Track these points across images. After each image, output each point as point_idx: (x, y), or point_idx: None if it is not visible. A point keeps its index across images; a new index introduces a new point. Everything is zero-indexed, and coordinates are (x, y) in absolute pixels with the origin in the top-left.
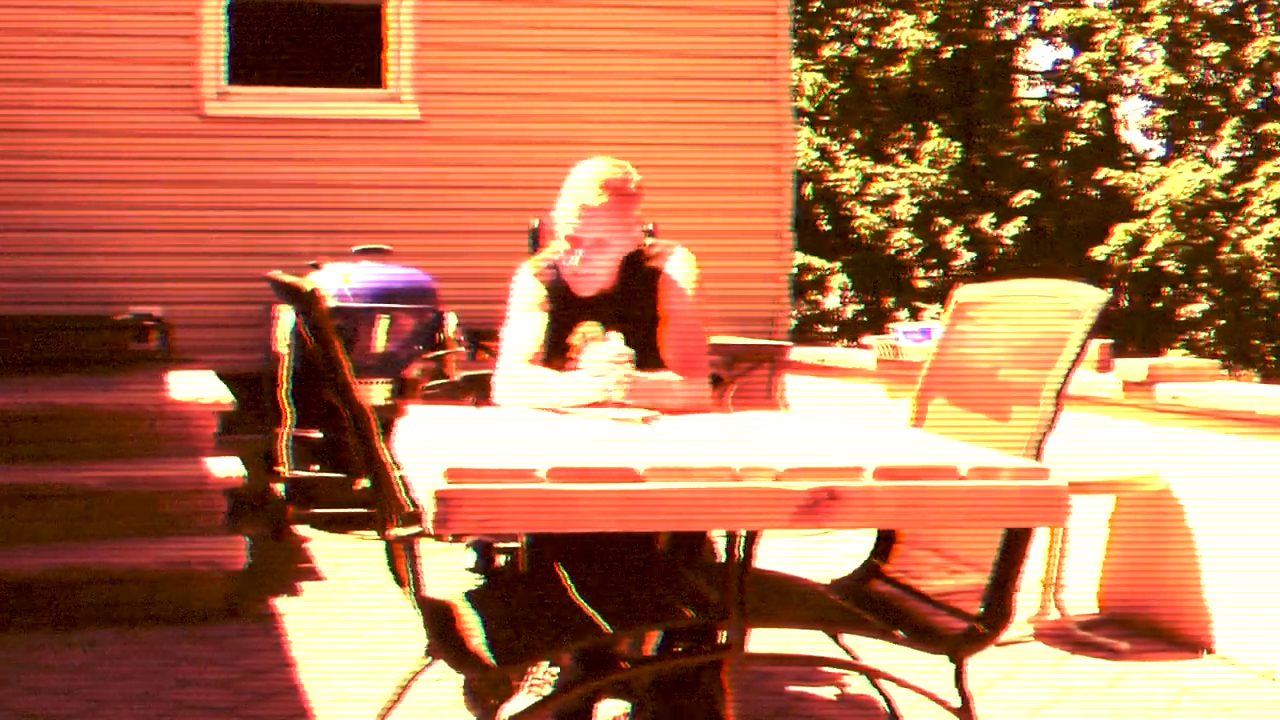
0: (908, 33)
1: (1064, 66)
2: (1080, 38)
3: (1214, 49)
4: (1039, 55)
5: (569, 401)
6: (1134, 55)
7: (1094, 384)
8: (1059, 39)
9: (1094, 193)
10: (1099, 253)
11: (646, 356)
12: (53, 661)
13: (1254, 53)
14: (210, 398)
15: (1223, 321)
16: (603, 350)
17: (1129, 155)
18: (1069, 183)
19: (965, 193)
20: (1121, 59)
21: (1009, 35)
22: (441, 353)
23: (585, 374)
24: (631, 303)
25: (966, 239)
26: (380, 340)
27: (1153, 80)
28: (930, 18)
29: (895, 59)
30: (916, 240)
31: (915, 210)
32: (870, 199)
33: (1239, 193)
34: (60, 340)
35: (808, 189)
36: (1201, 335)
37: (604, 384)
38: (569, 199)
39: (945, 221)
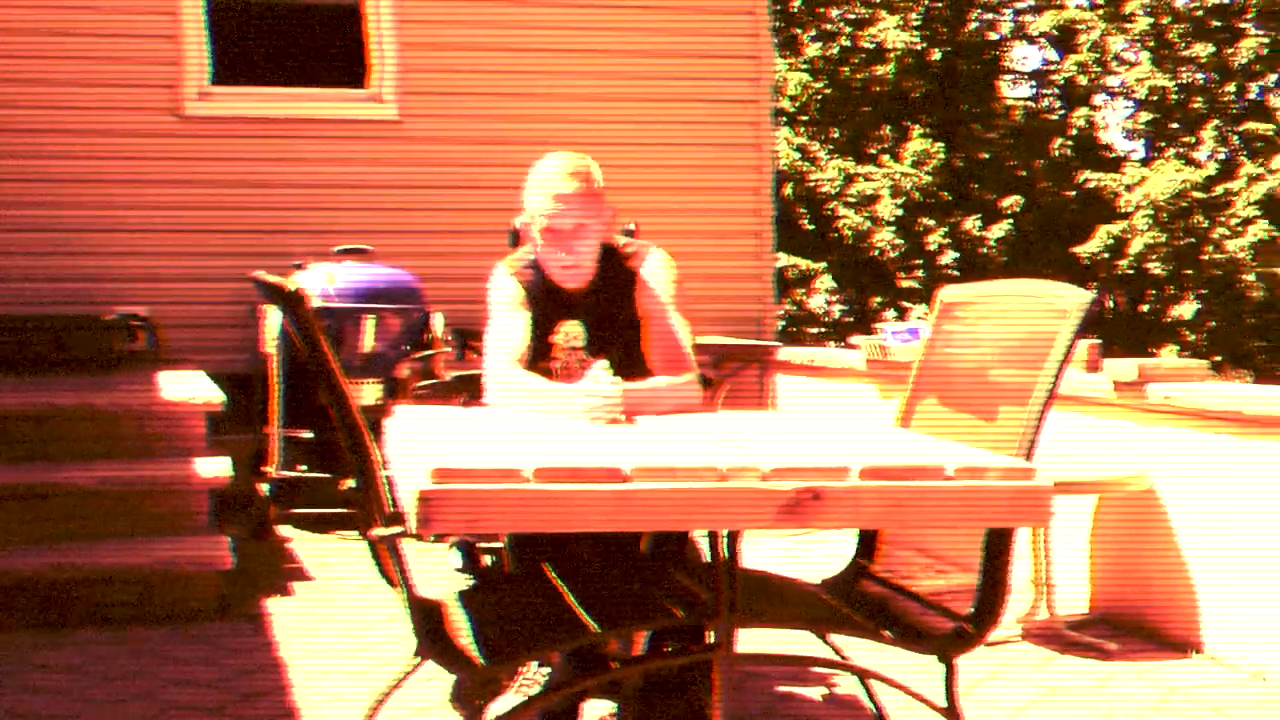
0: (892, 34)
1: (1050, 67)
2: (1063, 39)
3: (1200, 49)
4: (1023, 53)
5: (558, 416)
6: (1118, 55)
7: (1084, 384)
8: (1042, 40)
9: (1073, 194)
10: (1082, 253)
11: (627, 355)
12: (43, 662)
13: (1239, 54)
14: (200, 398)
15: (1213, 323)
16: (595, 390)
17: (1111, 156)
18: (1050, 184)
19: (947, 195)
20: (1107, 59)
21: (993, 36)
22: (430, 353)
23: (577, 394)
24: (610, 302)
25: (949, 240)
26: (368, 340)
27: (1138, 81)
28: (915, 19)
29: (880, 59)
30: (899, 241)
31: (899, 211)
32: (851, 199)
33: (1219, 193)
34: (48, 340)
35: (788, 189)
36: (1192, 337)
37: (595, 416)
38: (539, 193)
39: (930, 222)
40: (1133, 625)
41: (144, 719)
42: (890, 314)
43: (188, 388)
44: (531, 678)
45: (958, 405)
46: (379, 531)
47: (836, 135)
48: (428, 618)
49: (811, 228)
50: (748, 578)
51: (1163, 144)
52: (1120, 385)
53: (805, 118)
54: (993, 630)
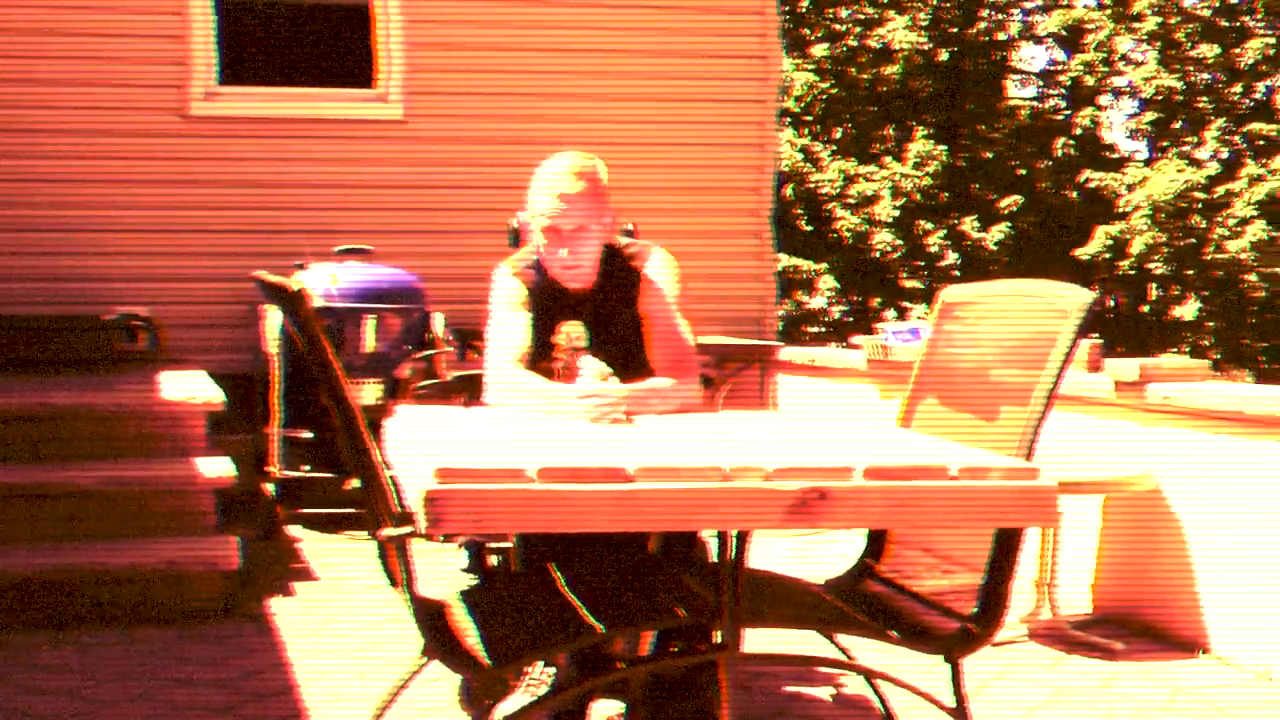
0: (900, 34)
1: (1056, 67)
2: (1071, 39)
3: (1207, 49)
4: (1031, 53)
5: (559, 417)
6: (1126, 55)
7: (1086, 384)
8: (1049, 40)
9: (1075, 195)
10: (1083, 253)
11: (629, 355)
12: (48, 661)
13: (1247, 54)
14: (201, 397)
15: (1211, 324)
16: (595, 391)
17: (1114, 157)
18: (1051, 184)
19: (946, 196)
20: (1114, 59)
21: (1001, 36)
22: (431, 352)
23: (578, 395)
24: (612, 302)
25: (949, 241)
26: (369, 340)
27: (1145, 81)
28: (924, 19)
29: (888, 59)
30: (899, 241)
31: (897, 212)
32: (851, 200)
33: (1221, 193)
34: (50, 340)
35: (789, 189)
36: (1194, 338)
37: (596, 416)
38: (544, 191)
39: (928, 225)
40: (1137, 625)
41: (147, 719)
42: (890, 314)
43: (188, 387)
44: (538, 678)
45: (958, 405)
46: (388, 532)
47: (839, 136)
48: (431, 618)
49: (810, 228)
50: (753, 578)
51: (1165, 144)
52: (1122, 385)
53: (809, 118)
54: (998, 630)
